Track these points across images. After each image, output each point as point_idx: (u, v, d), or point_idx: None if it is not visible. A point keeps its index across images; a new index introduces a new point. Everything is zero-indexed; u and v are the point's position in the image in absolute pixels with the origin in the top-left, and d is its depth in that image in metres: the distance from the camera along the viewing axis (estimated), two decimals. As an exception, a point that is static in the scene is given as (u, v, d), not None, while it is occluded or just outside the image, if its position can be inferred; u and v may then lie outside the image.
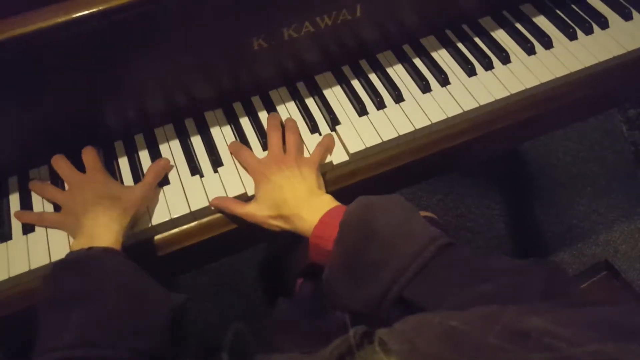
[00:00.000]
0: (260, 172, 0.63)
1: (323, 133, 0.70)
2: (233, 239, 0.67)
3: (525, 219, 1.43)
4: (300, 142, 0.68)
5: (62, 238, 0.62)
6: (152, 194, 0.64)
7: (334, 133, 0.70)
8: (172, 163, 0.68)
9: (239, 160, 0.67)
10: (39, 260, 0.61)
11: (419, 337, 0.32)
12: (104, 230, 0.56)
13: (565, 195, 1.46)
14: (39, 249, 0.62)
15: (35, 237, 0.63)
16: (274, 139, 0.67)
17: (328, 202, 0.58)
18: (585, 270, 0.85)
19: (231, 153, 0.68)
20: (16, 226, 0.64)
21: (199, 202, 0.64)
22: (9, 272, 0.60)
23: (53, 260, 0.61)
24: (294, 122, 0.70)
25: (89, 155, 0.65)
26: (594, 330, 0.30)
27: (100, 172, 0.64)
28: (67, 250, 0.60)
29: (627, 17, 0.78)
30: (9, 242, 0.63)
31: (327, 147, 0.67)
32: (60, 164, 0.65)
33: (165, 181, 0.66)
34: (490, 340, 0.30)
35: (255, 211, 0.61)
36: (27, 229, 0.63)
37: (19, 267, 0.60)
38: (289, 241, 0.91)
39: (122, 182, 0.67)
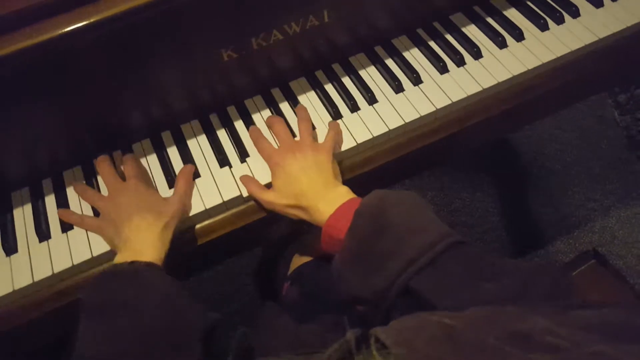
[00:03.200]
0: (275, 162, 0.64)
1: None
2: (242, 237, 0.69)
3: (520, 210, 1.43)
4: (312, 128, 0.68)
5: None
6: (190, 201, 0.65)
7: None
8: (150, 175, 0.69)
9: (257, 148, 0.68)
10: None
11: (417, 338, 0.32)
12: (149, 247, 0.57)
13: (559, 184, 1.45)
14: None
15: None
16: (279, 128, 0.67)
17: (344, 194, 0.59)
18: (573, 259, 0.85)
19: (253, 142, 0.69)
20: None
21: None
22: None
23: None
24: (305, 109, 0.71)
25: (130, 164, 0.66)
26: (596, 332, 0.30)
27: (141, 182, 0.64)
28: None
29: (599, 4, 0.78)
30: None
31: (337, 132, 0.68)
32: (104, 168, 0.66)
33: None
34: (491, 341, 0.30)
35: (274, 199, 0.63)
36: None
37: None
38: (278, 245, 0.92)
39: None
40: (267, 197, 0.63)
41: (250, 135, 0.70)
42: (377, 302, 0.50)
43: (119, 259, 0.57)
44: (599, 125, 1.53)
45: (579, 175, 1.46)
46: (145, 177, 0.67)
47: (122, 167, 0.68)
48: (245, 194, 0.66)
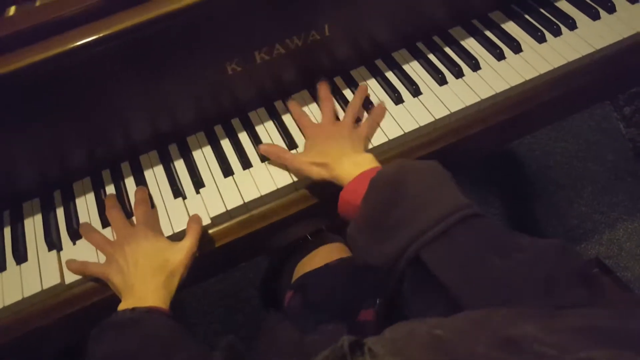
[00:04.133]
0: (314, 132, 0.69)
1: (301, 147, 0.72)
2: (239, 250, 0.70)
3: (525, 223, 1.43)
4: (357, 114, 0.72)
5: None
6: (196, 248, 0.63)
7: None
8: (155, 187, 0.71)
9: (297, 121, 0.73)
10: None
11: (409, 347, 0.33)
12: (152, 295, 0.58)
13: (565, 197, 1.45)
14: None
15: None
16: (327, 106, 0.72)
17: (370, 160, 0.61)
18: (576, 269, 0.85)
19: (293, 117, 0.74)
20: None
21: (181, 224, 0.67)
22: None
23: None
24: (362, 94, 0.74)
25: (141, 209, 0.66)
26: (584, 337, 0.30)
27: (149, 228, 0.64)
28: None
29: (595, 16, 0.79)
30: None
31: (376, 119, 0.71)
32: (113, 215, 0.66)
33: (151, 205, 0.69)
34: (480, 349, 0.31)
35: (300, 156, 0.66)
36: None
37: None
38: (282, 255, 0.93)
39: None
40: (293, 155, 0.67)
41: (292, 111, 0.74)
42: (388, 270, 0.50)
43: (122, 305, 0.58)
44: (605, 137, 1.54)
45: (585, 188, 1.46)
46: (154, 221, 0.67)
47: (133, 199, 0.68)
48: (247, 199, 0.68)
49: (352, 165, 0.60)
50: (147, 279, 0.59)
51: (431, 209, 0.49)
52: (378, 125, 0.71)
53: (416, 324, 0.36)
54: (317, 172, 0.64)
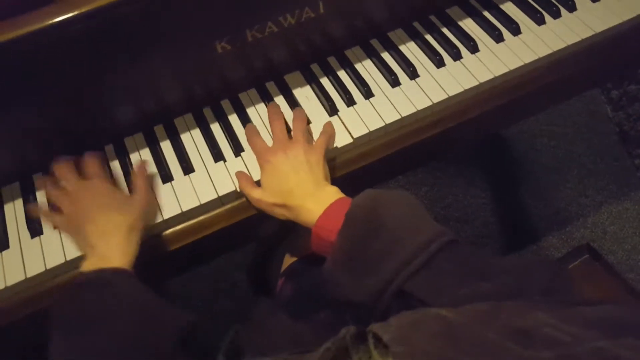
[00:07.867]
0: (266, 159, 0.63)
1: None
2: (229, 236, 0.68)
3: (512, 206, 1.43)
4: (307, 129, 0.67)
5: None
6: (150, 196, 0.62)
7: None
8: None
9: (249, 144, 0.68)
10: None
11: (415, 334, 0.32)
12: (117, 253, 0.55)
13: (551, 179, 1.46)
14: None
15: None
16: (277, 126, 0.66)
17: (334, 194, 0.58)
18: (566, 254, 0.85)
19: (247, 140, 0.69)
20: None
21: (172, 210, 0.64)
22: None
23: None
24: (302, 110, 0.70)
25: (91, 162, 0.63)
26: (595, 328, 0.30)
27: (103, 181, 0.61)
28: None
29: (595, -2, 0.78)
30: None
31: (330, 134, 0.67)
32: (62, 168, 0.63)
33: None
34: (491, 337, 0.30)
35: (261, 197, 0.62)
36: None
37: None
38: (272, 241, 0.91)
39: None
40: (255, 194, 0.62)
41: (245, 132, 0.69)
42: (372, 305, 0.49)
43: (86, 265, 0.55)
44: (592, 121, 1.54)
45: (571, 171, 1.47)
46: (107, 177, 0.64)
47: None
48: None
49: (317, 204, 0.57)
50: (109, 236, 0.56)
51: (411, 238, 0.48)
52: (333, 138, 0.67)
53: (424, 311, 0.35)
54: (280, 214, 0.61)
